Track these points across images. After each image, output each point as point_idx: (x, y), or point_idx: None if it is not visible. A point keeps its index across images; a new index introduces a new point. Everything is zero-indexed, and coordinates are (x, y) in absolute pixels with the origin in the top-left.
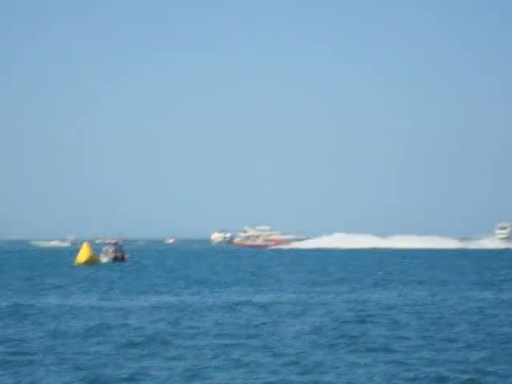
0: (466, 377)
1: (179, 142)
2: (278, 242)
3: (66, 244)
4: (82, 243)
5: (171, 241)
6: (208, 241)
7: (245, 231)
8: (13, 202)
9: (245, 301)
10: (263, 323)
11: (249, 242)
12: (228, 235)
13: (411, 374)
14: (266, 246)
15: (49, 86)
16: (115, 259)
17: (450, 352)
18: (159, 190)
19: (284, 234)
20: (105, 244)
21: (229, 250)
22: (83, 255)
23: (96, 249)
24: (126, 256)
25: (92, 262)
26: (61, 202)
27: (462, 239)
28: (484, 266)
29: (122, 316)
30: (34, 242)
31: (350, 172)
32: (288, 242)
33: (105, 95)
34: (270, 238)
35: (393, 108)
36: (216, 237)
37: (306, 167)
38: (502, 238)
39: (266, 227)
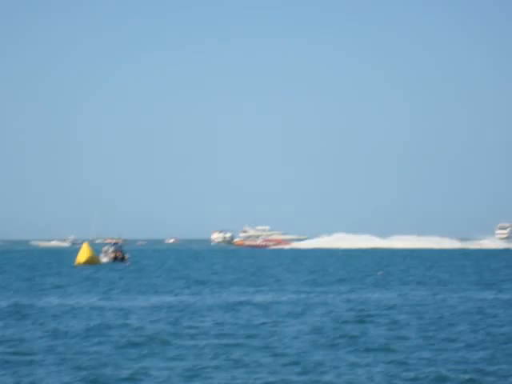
0: (466, 377)
1: (179, 141)
2: (278, 242)
3: (66, 244)
4: (81, 243)
5: (171, 241)
6: (208, 241)
7: (245, 231)
8: (13, 202)
9: (245, 301)
10: (263, 323)
11: (249, 242)
12: (228, 235)
13: (411, 374)
14: (265, 245)
15: (49, 86)
16: (115, 259)
17: (450, 352)
18: (159, 190)
19: (284, 234)
20: (105, 244)
21: (229, 250)
22: (83, 255)
23: (96, 249)
24: (126, 256)
25: (92, 262)
26: (61, 202)
27: (462, 239)
28: (484, 265)
29: (122, 316)
30: (33, 242)
31: (350, 172)
32: (288, 242)
33: (105, 95)
34: (270, 237)
35: (393, 108)
36: (216, 237)
37: (305, 167)
38: (502, 238)
39: (266, 227)
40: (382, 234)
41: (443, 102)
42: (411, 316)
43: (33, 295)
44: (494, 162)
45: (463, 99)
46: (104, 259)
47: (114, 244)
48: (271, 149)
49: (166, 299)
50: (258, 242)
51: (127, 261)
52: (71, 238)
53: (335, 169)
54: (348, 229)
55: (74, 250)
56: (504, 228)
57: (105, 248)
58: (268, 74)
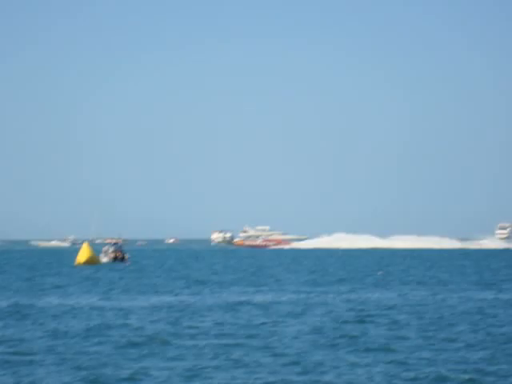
0: (466, 377)
1: (179, 141)
2: (278, 242)
3: (66, 244)
4: (81, 243)
5: (171, 241)
6: (208, 241)
7: (245, 231)
8: (13, 202)
9: (245, 301)
10: (263, 323)
11: (249, 242)
12: (228, 235)
13: (411, 374)
14: (265, 245)
15: (49, 86)
16: (115, 259)
17: (450, 352)
18: (159, 190)
19: (284, 234)
20: (105, 244)
21: (229, 250)
22: (83, 255)
23: (96, 249)
24: (127, 256)
25: (92, 262)
26: (61, 202)
27: (462, 239)
28: (484, 265)
29: (122, 316)
30: (33, 242)
31: (350, 172)
32: (288, 242)
33: (105, 95)
34: (270, 237)
35: (393, 108)
36: (216, 237)
37: (305, 167)
38: (502, 238)
39: (266, 227)
40: (382, 234)
41: (443, 102)
42: (411, 316)
43: (33, 295)
44: (494, 162)
45: (463, 99)
46: (104, 259)
47: (114, 244)
48: (271, 149)
49: (165, 299)
50: (258, 241)
51: (127, 261)
52: (71, 237)
53: (335, 169)
54: (348, 229)
55: (74, 250)
56: (504, 228)
57: (105, 248)
58: (268, 74)
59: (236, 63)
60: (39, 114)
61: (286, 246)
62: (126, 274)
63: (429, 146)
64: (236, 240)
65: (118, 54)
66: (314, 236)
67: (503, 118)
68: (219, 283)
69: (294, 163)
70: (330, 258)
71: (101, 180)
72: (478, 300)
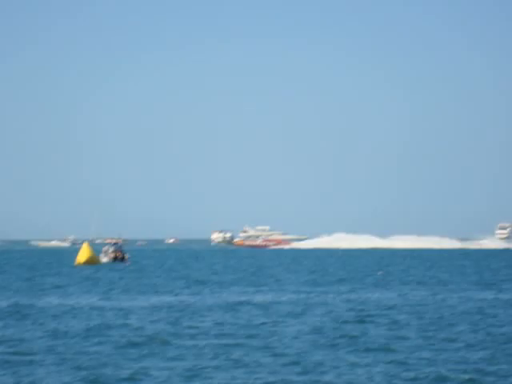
0: (466, 377)
1: (179, 141)
2: (278, 242)
3: (66, 244)
4: (81, 243)
5: (171, 241)
6: (208, 241)
7: (245, 231)
8: (13, 202)
9: (245, 301)
10: (263, 323)
11: (249, 242)
12: (228, 235)
13: (411, 374)
14: (265, 245)
15: (49, 86)
16: (115, 259)
17: (450, 352)
18: (159, 190)
19: (284, 234)
20: (105, 244)
21: (229, 250)
22: (83, 255)
23: (96, 249)
24: (127, 256)
25: (92, 262)
26: (61, 202)
27: (462, 239)
28: (484, 265)
29: (122, 316)
30: (33, 242)
31: (350, 172)
32: (288, 242)
33: (105, 95)
34: (270, 237)
35: (393, 108)
36: (216, 237)
37: (305, 167)
38: (502, 238)
39: (266, 227)
40: (382, 234)
41: (443, 102)
42: (411, 316)
43: (33, 295)
44: (494, 162)
45: (463, 99)
46: (104, 259)
47: (114, 244)
48: (271, 149)
49: (165, 299)
50: (258, 241)
51: (127, 261)
52: (71, 238)
53: (335, 169)
54: (348, 229)
55: (74, 250)
56: (504, 228)
57: (105, 248)
58: (268, 74)
59: (236, 63)
60: (39, 113)
61: (286, 246)
62: (126, 273)
63: (429, 146)
64: (236, 240)
65: (118, 54)
66: (314, 236)
67: (503, 118)
68: (219, 283)
69: (294, 163)
70: (330, 257)
71: (101, 180)
72: (478, 300)
